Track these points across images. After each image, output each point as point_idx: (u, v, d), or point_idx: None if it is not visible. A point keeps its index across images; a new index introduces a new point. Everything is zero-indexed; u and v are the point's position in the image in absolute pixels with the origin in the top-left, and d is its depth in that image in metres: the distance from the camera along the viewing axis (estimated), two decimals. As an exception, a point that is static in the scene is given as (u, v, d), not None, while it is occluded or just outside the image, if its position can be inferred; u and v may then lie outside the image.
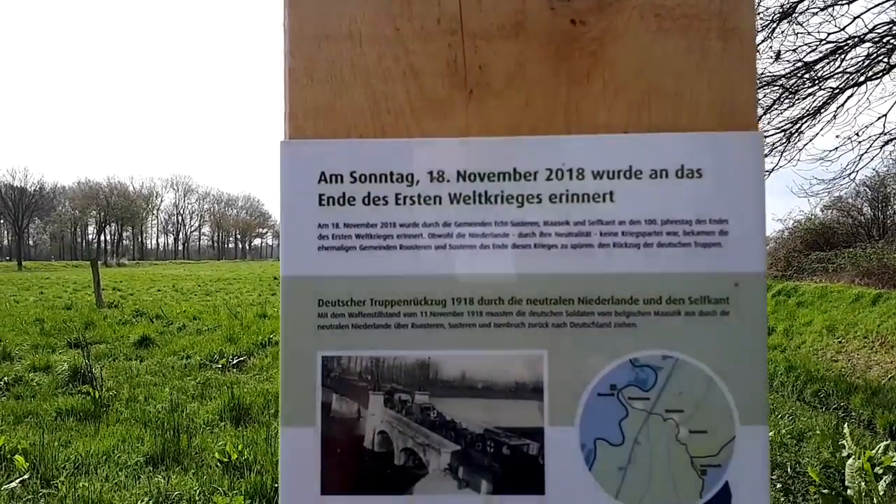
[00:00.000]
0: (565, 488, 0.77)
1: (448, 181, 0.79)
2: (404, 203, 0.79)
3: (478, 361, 0.78)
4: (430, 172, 0.79)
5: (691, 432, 0.77)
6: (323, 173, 0.79)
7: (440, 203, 0.79)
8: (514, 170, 0.78)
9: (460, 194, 0.78)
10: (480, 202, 0.78)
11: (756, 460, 0.77)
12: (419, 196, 0.79)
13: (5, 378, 7.30)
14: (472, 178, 0.78)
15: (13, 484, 4.18)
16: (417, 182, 0.79)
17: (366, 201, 0.79)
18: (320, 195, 0.79)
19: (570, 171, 0.78)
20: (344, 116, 0.79)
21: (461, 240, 0.78)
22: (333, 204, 0.79)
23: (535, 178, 0.78)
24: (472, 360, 0.78)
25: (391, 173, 0.79)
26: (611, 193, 0.78)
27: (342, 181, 0.79)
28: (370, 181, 0.79)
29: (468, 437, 0.78)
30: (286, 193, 0.79)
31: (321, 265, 0.79)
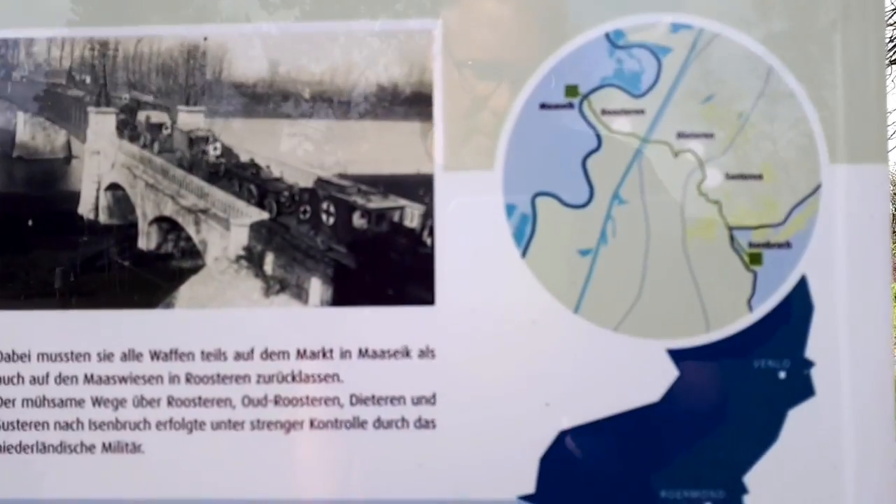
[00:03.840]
0: (473, 294, 0.38)
1: None
2: None
3: (301, 42, 0.39)
4: None
5: (729, 178, 0.38)
6: None
7: None
8: None
9: None
10: None
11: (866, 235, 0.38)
12: None
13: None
14: None
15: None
16: None
17: None
18: None
19: None
20: None
21: None
22: None
23: None
24: (291, 42, 0.39)
25: None
26: None
27: None
28: None
29: (284, 196, 0.40)
30: None
31: None
